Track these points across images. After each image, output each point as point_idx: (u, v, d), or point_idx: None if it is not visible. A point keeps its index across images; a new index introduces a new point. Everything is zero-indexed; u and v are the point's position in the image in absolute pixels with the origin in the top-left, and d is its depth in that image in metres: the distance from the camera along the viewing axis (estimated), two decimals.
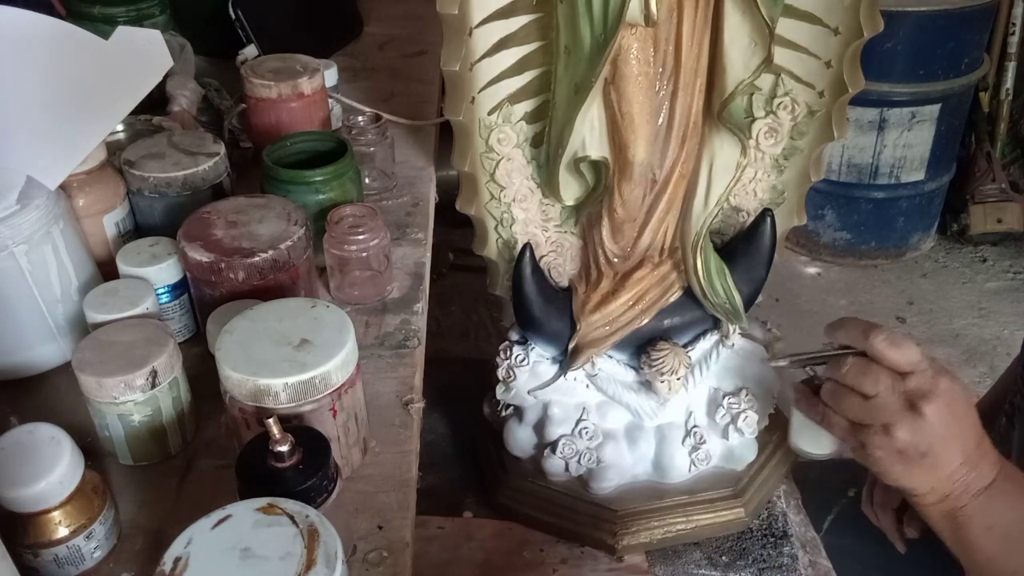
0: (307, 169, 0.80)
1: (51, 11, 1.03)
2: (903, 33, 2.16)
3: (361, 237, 0.77)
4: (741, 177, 0.85)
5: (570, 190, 0.83)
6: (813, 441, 0.82)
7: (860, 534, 0.94)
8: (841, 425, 0.74)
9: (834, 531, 0.99)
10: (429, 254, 0.87)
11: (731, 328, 0.95)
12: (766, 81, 0.81)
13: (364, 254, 0.77)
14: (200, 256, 0.68)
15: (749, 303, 0.93)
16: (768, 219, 0.89)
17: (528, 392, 0.94)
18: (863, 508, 0.88)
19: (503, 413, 1.00)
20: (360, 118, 0.95)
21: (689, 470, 0.98)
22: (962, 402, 0.70)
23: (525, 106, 0.80)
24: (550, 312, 0.89)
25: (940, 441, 0.69)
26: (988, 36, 2.36)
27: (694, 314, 0.94)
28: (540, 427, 0.96)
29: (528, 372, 0.93)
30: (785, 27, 0.77)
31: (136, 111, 0.74)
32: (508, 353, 0.94)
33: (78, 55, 0.67)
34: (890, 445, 0.70)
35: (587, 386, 0.95)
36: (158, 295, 0.70)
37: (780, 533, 0.98)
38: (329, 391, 0.57)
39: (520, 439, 0.98)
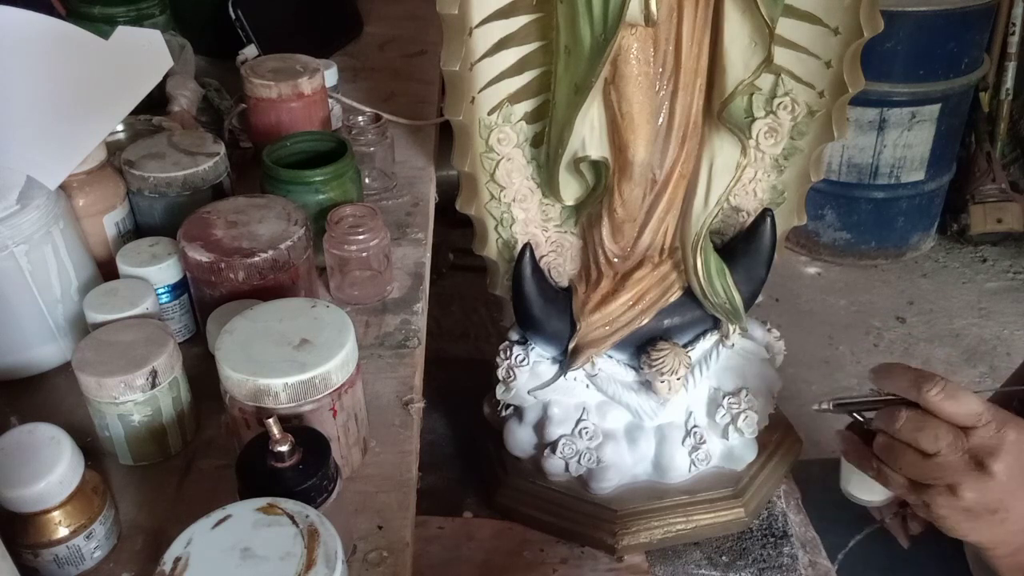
0: (307, 169, 0.80)
1: (51, 11, 1.03)
2: (903, 33, 2.16)
3: (361, 237, 0.77)
4: (741, 177, 0.85)
5: (570, 190, 0.83)
6: (866, 489, 0.77)
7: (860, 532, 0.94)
8: (900, 483, 0.68)
9: (835, 531, 0.99)
10: (429, 254, 0.87)
11: (731, 328, 0.95)
12: (766, 81, 0.81)
13: (364, 254, 0.77)
14: (200, 256, 0.68)
15: (749, 303, 0.93)
16: (768, 219, 0.89)
17: (528, 392, 0.94)
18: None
19: (503, 413, 1.00)
20: (360, 118, 0.95)
21: (689, 470, 0.98)
22: None
23: (525, 106, 0.80)
24: (550, 312, 0.89)
25: (1010, 496, 0.64)
26: (988, 36, 2.36)
27: (694, 314, 0.94)
28: (540, 427, 0.96)
29: (528, 372, 0.93)
30: (785, 27, 0.77)
31: (136, 111, 0.74)
32: (508, 353, 0.94)
33: (78, 55, 0.67)
34: (956, 505, 0.65)
35: (587, 386, 0.95)
36: (158, 295, 0.70)
37: (780, 533, 0.98)
38: (329, 391, 0.57)
39: (520, 439, 0.98)
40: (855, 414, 0.74)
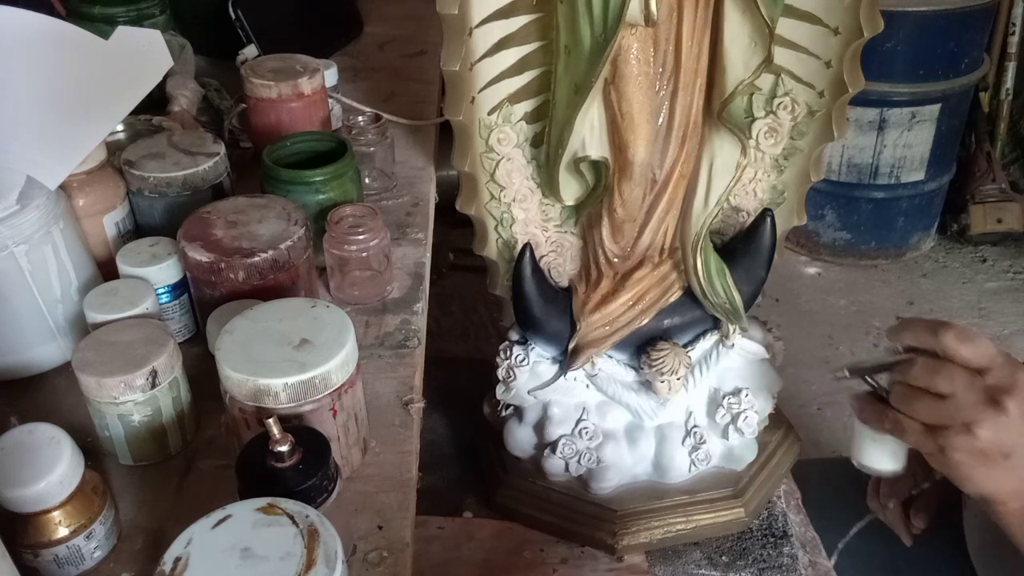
0: (307, 169, 0.80)
1: (51, 11, 1.03)
2: (903, 33, 2.16)
3: (361, 237, 0.77)
4: (741, 177, 0.85)
5: (570, 190, 0.83)
6: (878, 457, 0.77)
7: (862, 533, 0.94)
8: (915, 430, 0.68)
9: (836, 529, 0.99)
10: (429, 254, 0.87)
11: (731, 328, 0.95)
12: (766, 81, 0.81)
13: (364, 254, 0.78)
14: (200, 256, 0.68)
15: (749, 303, 0.93)
16: (768, 219, 0.89)
17: (528, 392, 0.94)
18: (868, 502, 0.87)
19: (503, 413, 1.00)
20: (360, 118, 0.95)
21: (689, 470, 0.98)
22: None
23: (525, 106, 0.80)
24: (550, 312, 0.89)
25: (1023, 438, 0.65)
26: (988, 36, 2.36)
27: (694, 314, 0.94)
28: (540, 427, 0.96)
29: (528, 372, 0.93)
30: (785, 27, 0.77)
31: (136, 111, 0.74)
32: (508, 353, 0.94)
33: (78, 55, 0.67)
34: (972, 445, 0.65)
35: (587, 386, 0.95)
36: (158, 295, 0.70)
37: (780, 533, 0.98)
38: (329, 391, 0.57)
39: (520, 439, 0.98)
40: (869, 380, 0.75)
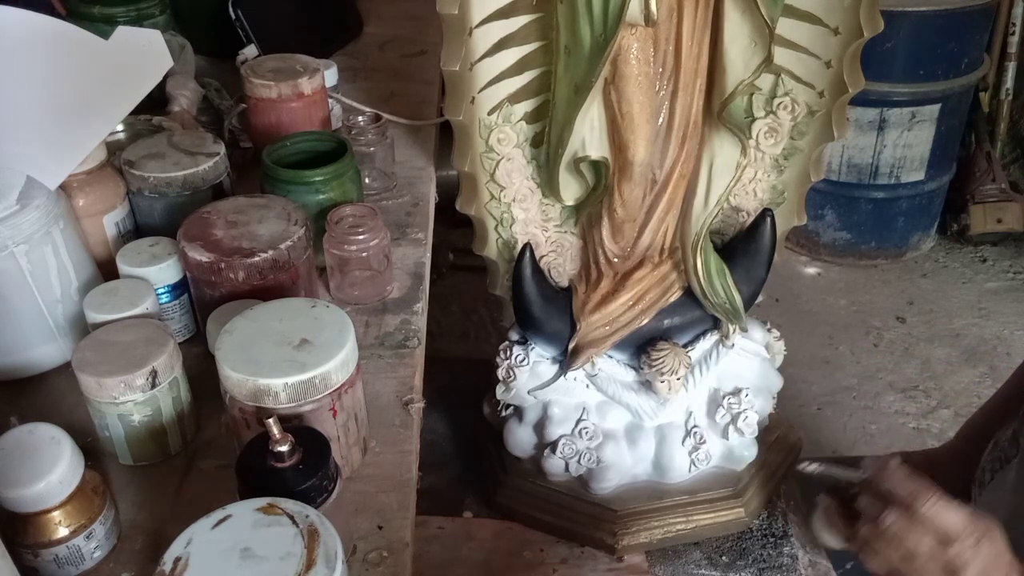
0: (307, 169, 0.80)
1: (51, 11, 1.03)
2: (903, 33, 2.16)
3: (361, 237, 0.77)
4: (741, 177, 0.85)
5: (570, 190, 0.83)
6: (833, 538, 0.82)
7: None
8: (875, 562, 0.75)
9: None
10: (429, 254, 0.87)
11: (731, 328, 0.95)
12: (766, 81, 0.81)
13: (364, 254, 0.77)
14: (200, 256, 0.68)
15: (749, 303, 0.93)
16: (768, 219, 0.89)
17: (528, 392, 0.94)
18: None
19: (503, 413, 1.00)
20: (360, 118, 0.95)
21: (689, 470, 0.98)
22: (1003, 566, 0.71)
23: (525, 106, 0.80)
24: (550, 312, 0.89)
25: None
26: (988, 36, 2.36)
27: (694, 314, 0.94)
28: (540, 427, 0.96)
29: (528, 372, 0.93)
30: (785, 27, 0.77)
31: (136, 111, 0.74)
32: (508, 353, 0.94)
33: (78, 55, 0.67)
34: None
35: (587, 386, 0.95)
36: (158, 295, 0.70)
37: (780, 533, 0.98)
38: (329, 391, 0.57)
39: (520, 439, 0.98)
40: (831, 479, 0.80)
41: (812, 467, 0.81)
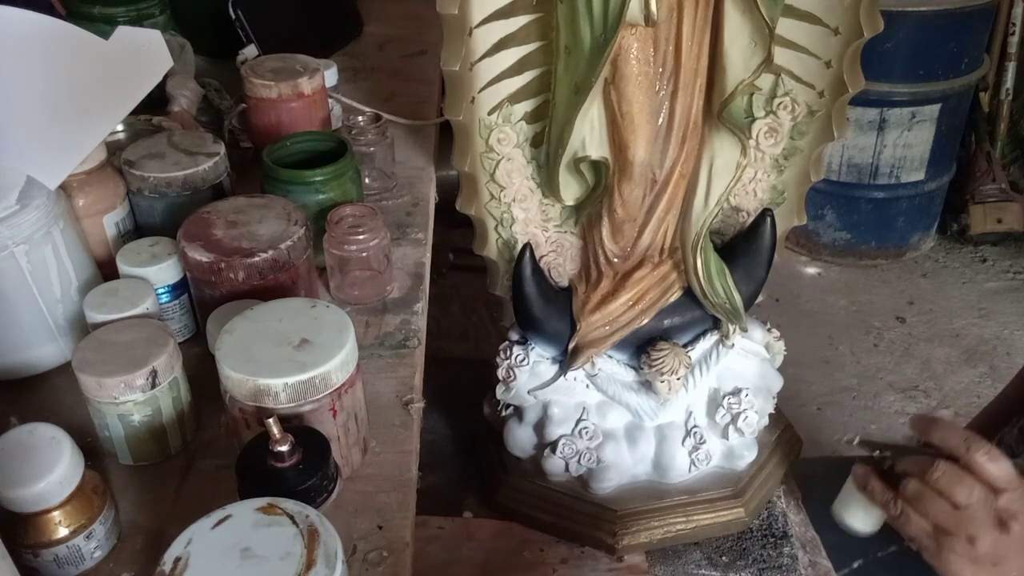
0: (307, 169, 0.80)
1: (51, 11, 1.03)
2: (903, 33, 2.16)
3: (361, 237, 0.77)
4: (741, 177, 0.85)
5: (570, 190, 0.83)
6: (861, 521, 0.83)
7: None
8: (920, 526, 0.75)
9: (837, 529, 0.99)
10: (429, 254, 0.87)
11: (731, 328, 0.95)
12: (766, 81, 0.81)
13: (364, 254, 0.77)
14: (200, 256, 0.68)
15: (749, 303, 0.93)
16: (768, 219, 0.89)
17: (528, 392, 0.94)
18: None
19: (503, 413, 1.00)
20: (360, 118, 0.95)
21: (689, 470, 0.98)
22: None
23: (525, 106, 0.80)
24: (550, 312, 0.89)
25: (1015, 554, 0.71)
26: (988, 36, 2.36)
27: (694, 314, 0.94)
28: (540, 427, 0.96)
29: (528, 372, 0.93)
30: (785, 27, 0.77)
31: (136, 111, 0.74)
32: (508, 353, 0.94)
33: (78, 55, 0.67)
34: (970, 554, 0.72)
35: (587, 386, 0.95)
36: (158, 295, 0.70)
37: (780, 533, 0.98)
38: (329, 391, 0.57)
39: (520, 439, 0.98)
40: (878, 455, 0.80)
41: (855, 442, 0.82)
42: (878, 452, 0.81)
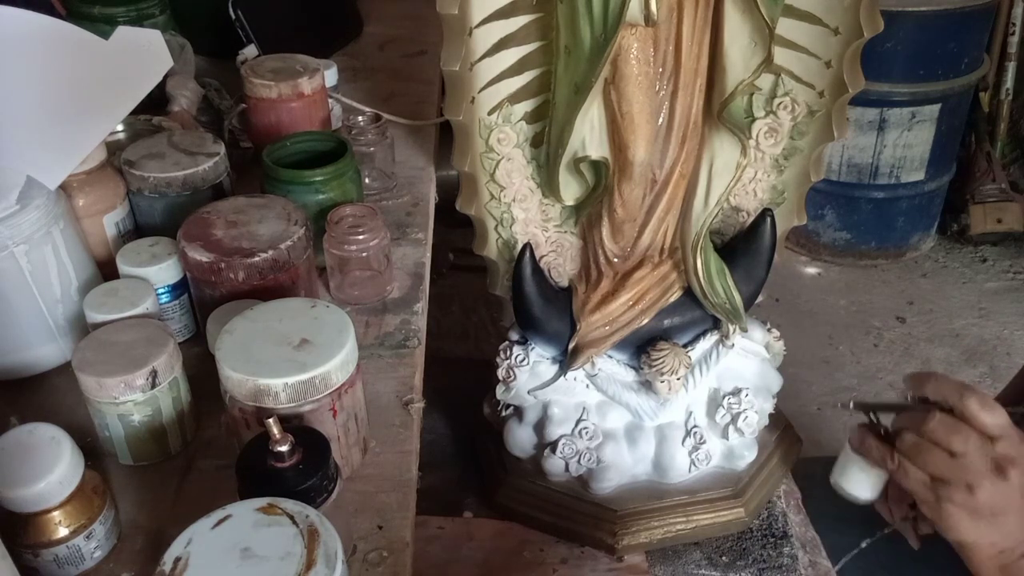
0: (307, 169, 0.80)
1: (51, 11, 1.03)
2: (903, 33, 2.16)
3: (361, 237, 0.77)
4: (741, 177, 0.85)
5: (570, 190, 0.83)
6: (861, 486, 0.82)
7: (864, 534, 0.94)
8: (917, 478, 0.74)
9: (838, 529, 0.99)
10: (429, 254, 0.87)
11: (731, 328, 0.95)
12: (766, 81, 0.81)
13: (364, 254, 0.78)
14: (200, 256, 0.68)
15: (749, 303, 0.93)
16: (768, 219, 0.89)
17: (528, 392, 0.94)
18: (876, 506, 0.88)
19: (503, 413, 1.00)
20: (360, 118, 0.95)
21: (689, 470, 0.98)
22: None
23: (525, 106, 0.80)
24: (550, 312, 0.89)
25: (1014, 502, 0.71)
26: (988, 36, 2.36)
27: (694, 314, 0.94)
28: (540, 427, 0.96)
29: (528, 372, 0.93)
30: (785, 27, 0.77)
31: (136, 111, 0.74)
32: (508, 353, 0.94)
33: (78, 55, 0.67)
34: (968, 503, 0.71)
35: (587, 386, 0.95)
36: (158, 295, 0.70)
37: (780, 533, 0.98)
38: (329, 391, 0.57)
39: (520, 439, 0.98)
40: (873, 416, 0.80)
41: (849, 405, 0.82)
42: (873, 413, 0.80)
